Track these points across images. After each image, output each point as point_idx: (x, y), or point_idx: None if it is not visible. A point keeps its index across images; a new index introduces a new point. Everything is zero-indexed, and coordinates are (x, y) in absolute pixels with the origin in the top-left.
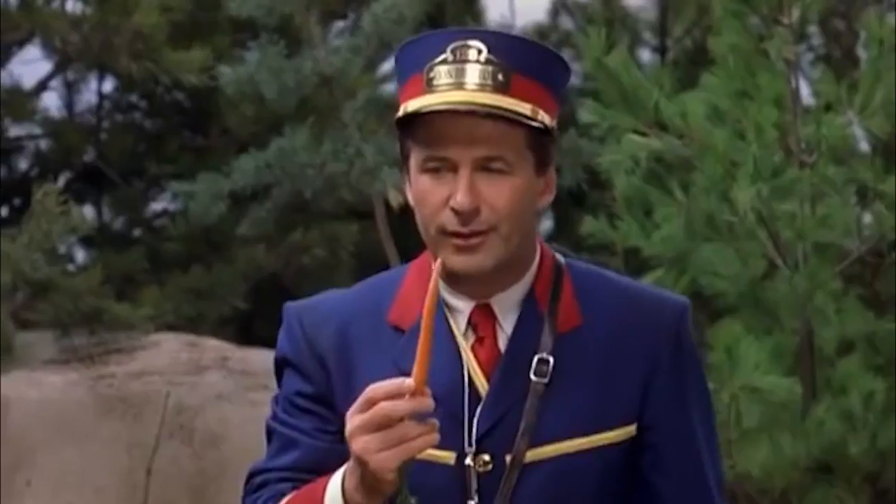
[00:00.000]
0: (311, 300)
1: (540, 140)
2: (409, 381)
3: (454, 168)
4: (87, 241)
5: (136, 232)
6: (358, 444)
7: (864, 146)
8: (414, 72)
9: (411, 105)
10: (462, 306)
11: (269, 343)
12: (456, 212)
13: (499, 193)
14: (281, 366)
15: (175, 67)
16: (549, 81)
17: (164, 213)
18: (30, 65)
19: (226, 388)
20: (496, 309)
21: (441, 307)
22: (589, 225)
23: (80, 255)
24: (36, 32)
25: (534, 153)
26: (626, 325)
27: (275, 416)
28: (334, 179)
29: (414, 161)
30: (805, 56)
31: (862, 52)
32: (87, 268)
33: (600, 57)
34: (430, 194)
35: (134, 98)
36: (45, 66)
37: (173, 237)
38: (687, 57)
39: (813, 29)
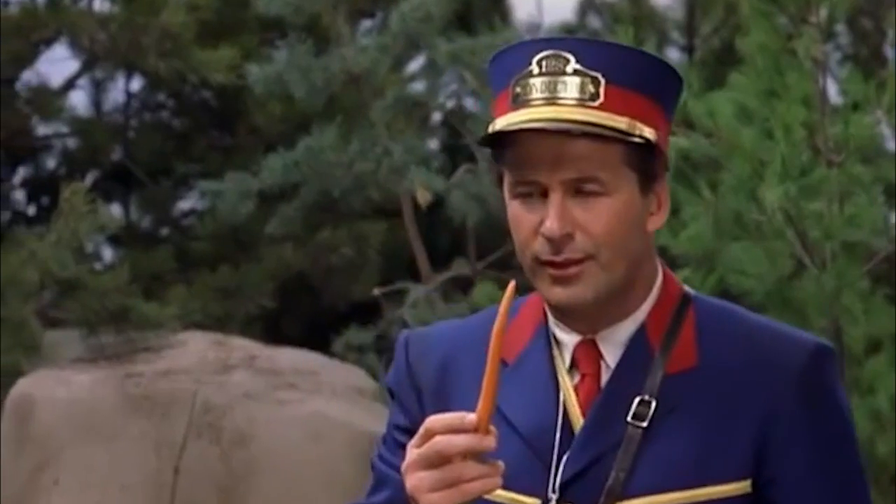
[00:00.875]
0: (426, 329)
1: (642, 156)
2: (470, 416)
3: (545, 192)
4: (114, 240)
5: (164, 231)
6: (411, 481)
7: (892, 145)
8: (502, 88)
9: (497, 124)
10: (568, 340)
11: (297, 342)
12: (547, 239)
13: (594, 218)
14: (390, 396)
15: (203, 66)
16: (649, 90)
17: (192, 211)
18: (57, 64)
19: (253, 387)
20: (601, 345)
21: (549, 341)
22: None
23: (108, 253)
24: (63, 31)
25: (636, 171)
26: (745, 368)
27: (378, 451)
28: (362, 178)
29: (506, 185)
30: (833, 55)
31: (889, 51)
32: (115, 267)
33: None
34: (522, 221)
35: (161, 97)
36: (72, 65)
37: (201, 236)
38: (714, 56)
39: (841, 28)
